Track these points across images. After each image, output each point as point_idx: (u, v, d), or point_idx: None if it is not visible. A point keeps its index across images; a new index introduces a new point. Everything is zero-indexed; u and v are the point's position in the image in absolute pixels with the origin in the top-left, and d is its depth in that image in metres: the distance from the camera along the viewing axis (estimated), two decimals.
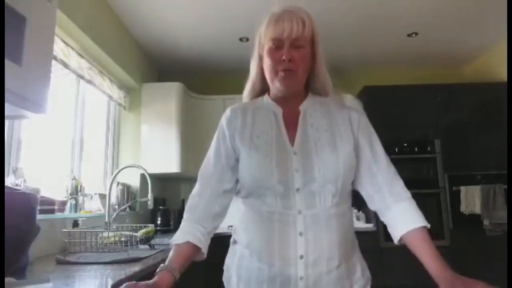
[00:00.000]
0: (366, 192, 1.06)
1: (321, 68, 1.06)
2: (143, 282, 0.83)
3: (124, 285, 0.81)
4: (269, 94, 1.13)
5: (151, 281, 0.86)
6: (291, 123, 1.06)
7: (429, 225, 0.96)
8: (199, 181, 1.09)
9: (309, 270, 0.94)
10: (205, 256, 1.03)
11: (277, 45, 1.01)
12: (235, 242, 1.10)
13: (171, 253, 0.97)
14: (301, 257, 0.94)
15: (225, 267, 1.12)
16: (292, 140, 1.03)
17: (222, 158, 1.07)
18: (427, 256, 0.91)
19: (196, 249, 0.99)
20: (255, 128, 1.06)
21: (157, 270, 0.90)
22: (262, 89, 1.14)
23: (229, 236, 1.13)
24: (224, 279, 1.11)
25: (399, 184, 1.03)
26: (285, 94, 1.06)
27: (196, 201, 1.05)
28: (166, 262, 0.93)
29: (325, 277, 0.95)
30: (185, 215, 1.05)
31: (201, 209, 1.04)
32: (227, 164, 1.06)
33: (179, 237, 0.99)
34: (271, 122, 1.07)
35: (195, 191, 1.07)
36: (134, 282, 0.83)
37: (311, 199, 0.97)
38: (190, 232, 1.00)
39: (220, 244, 1.07)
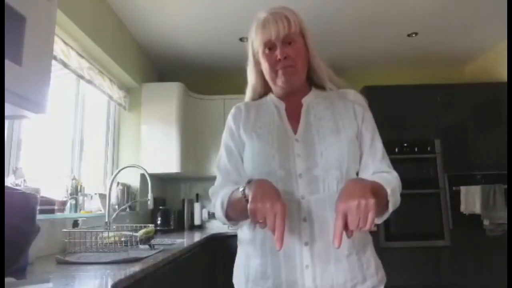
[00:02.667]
0: None
1: (316, 60, 1.09)
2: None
3: None
4: (272, 93, 1.15)
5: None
6: (294, 115, 1.08)
7: (390, 196, 0.92)
8: (219, 175, 1.11)
9: (316, 258, 0.93)
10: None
11: (270, 47, 1.04)
12: (241, 241, 1.10)
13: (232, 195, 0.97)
14: (306, 243, 0.93)
15: (234, 268, 1.12)
16: (295, 129, 1.05)
17: (234, 152, 1.10)
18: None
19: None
20: (258, 121, 1.09)
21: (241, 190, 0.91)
22: (264, 92, 1.16)
23: (230, 236, 1.13)
24: (234, 280, 1.11)
25: (385, 174, 1.02)
26: (288, 91, 1.08)
27: (219, 189, 1.06)
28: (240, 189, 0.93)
29: (333, 266, 0.93)
30: (213, 197, 1.06)
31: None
32: (238, 156, 1.09)
33: (225, 194, 1.00)
34: (274, 115, 1.10)
35: (217, 183, 1.10)
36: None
37: (314, 184, 0.97)
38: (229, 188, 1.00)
39: (221, 244, 1.07)
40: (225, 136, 1.13)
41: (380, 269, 1.03)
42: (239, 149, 1.09)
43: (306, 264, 0.93)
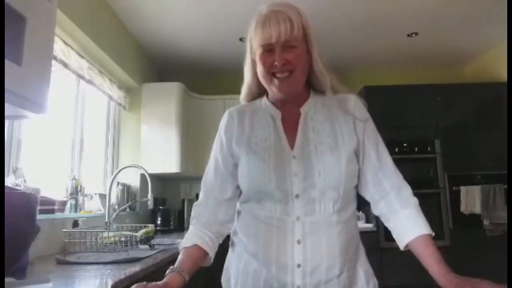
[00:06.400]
0: (371, 197, 1.03)
1: (316, 65, 1.02)
2: (153, 283, 0.83)
3: (134, 286, 0.80)
4: (267, 96, 1.10)
5: (161, 282, 0.85)
6: (291, 126, 1.02)
7: (433, 234, 0.95)
8: (202, 190, 1.08)
9: (307, 279, 0.91)
10: (212, 261, 1.02)
11: (268, 49, 0.96)
12: (233, 243, 1.09)
13: (180, 256, 0.96)
14: (299, 266, 0.91)
15: (224, 268, 1.11)
16: (291, 144, 0.99)
17: (220, 166, 1.06)
18: (430, 259, 0.90)
19: (204, 253, 0.98)
20: (253, 134, 1.03)
21: (167, 271, 0.90)
22: (259, 92, 1.10)
23: (230, 236, 1.12)
24: (222, 280, 1.10)
25: (407, 191, 1.01)
26: (283, 99, 1.03)
27: (201, 210, 1.05)
28: (176, 264, 0.92)
29: (324, 286, 0.92)
30: (192, 221, 1.05)
31: (207, 216, 1.04)
32: (226, 171, 1.05)
33: (187, 241, 0.99)
34: (269, 126, 1.03)
35: (199, 201, 1.08)
36: (144, 283, 0.82)
37: (310, 206, 0.94)
38: (198, 236, 0.99)
39: (220, 244, 1.07)
40: (215, 148, 1.09)
41: (371, 278, 1.01)
42: (226, 166, 1.05)
43: (297, 285, 0.91)
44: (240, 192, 1.07)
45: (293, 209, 0.94)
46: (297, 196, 0.94)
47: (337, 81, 1.07)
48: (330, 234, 0.94)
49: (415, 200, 1.00)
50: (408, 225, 0.97)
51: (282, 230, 0.94)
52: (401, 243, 0.98)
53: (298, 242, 0.92)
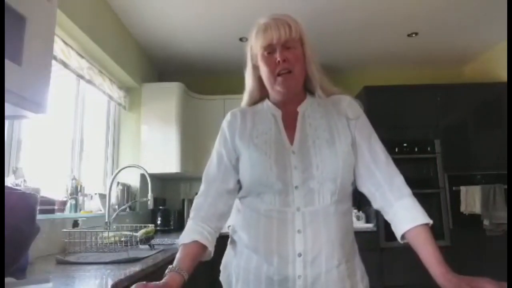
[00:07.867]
0: (367, 191, 1.06)
1: (310, 67, 1.08)
2: (152, 283, 0.83)
3: (134, 285, 0.80)
4: (268, 99, 1.15)
5: (161, 282, 0.86)
6: (290, 124, 1.08)
7: (431, 222, 0.95)
8: (203, 182, 1.11)
9: (308, 269, 0.94)
10: (212, 255, 1.03)
11: (270, 51, 1.05)
12: (233, 241, 1.10)
13: (178, 254, 0.97)
14: (299, 255, 0.94)
15: (222, 267, 1.12)
16: (291, 140, 1.05)
17: (224, 160, 1.09)
18: (430, 258, 0.90)
19: (203, 248, 0.99)
20: (255, 129, 1.09)
21: (166, 271, 0.90)
22: (260, 97, 1.16)
23: (228, 236, 1.13)
24: (222, 278, 1.11)
25: (399, 180, 1.03)
26: (285, 97, 1.08)
27: (201, 201, 1.07)
28: (175, 263, 0.93)
29: (324, 277, 0.95)
30: (191, 214, 1.06)
31: (206, 208, 1.05)
32: (229, 164, 1.08)
33: (186, 237, 1.00)
34: (270, 123, 1.09)
35: (200, 192, 1.09)
36: (144, 282, 0.83)
37: (310, 197, 0.98)
38: (197, 231, 1.00)
39: (221, 243, 1.07)
40: (217, 143, 1.13)
41: (365, 276, 1.05)
42: (230, 158, 1.09)
43: (298, 274, 0.94)
44: (240, 188, 1.09)
45: (293, 200, 0.98)
46: (296, 187, 0.98)
47: (330, 84, 1.13)
48: (328, 223, 0.97)
49: (408, 190, 1.02)
50: (402, 217, 0.98)
51: (282, 221, 0.97)
52: (398, 235, 0.99)
53: (299, 231, 0.96)
